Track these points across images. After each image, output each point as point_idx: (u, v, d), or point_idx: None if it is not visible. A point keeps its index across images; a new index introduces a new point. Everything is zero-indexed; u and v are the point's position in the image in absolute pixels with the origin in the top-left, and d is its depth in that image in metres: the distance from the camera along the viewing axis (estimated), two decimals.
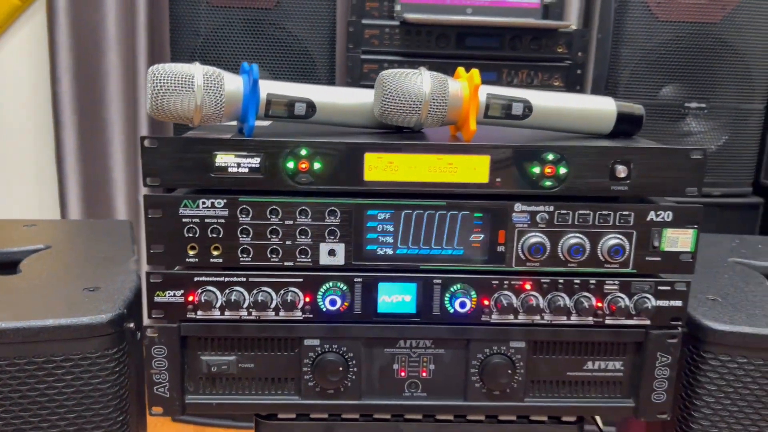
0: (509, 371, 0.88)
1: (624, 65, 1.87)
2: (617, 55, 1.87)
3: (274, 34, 1.86)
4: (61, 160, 2.12)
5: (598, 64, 1.93)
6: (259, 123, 0.94)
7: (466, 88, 0.83)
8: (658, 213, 0.84)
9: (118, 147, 2.11)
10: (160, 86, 0.76)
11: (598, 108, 0.88)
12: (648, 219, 0.84)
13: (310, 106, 0.83)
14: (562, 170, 0.82)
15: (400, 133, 0.89)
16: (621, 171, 0.82)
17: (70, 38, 2.06)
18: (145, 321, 0.85)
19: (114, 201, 2.15)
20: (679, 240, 0.85)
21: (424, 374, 0.89)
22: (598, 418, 1.14)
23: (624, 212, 0.83)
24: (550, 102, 0.86)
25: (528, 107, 0.85)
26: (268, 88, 0.81)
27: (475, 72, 0.82)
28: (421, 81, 0.81)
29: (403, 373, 0.89)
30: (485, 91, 0.84)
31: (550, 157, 0.82)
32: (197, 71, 0.77)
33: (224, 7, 1.83)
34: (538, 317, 0.86)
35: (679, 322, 0.87)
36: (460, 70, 0.86)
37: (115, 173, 2.13)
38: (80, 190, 2.14)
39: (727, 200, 1.96)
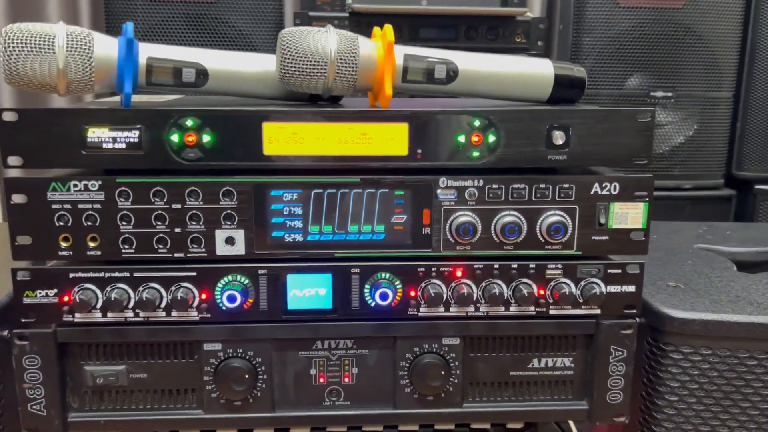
0: (443, 372, 0.76)
1: (586, 55, 1.79)
2: (579, 44, 1.79)
3: (216, 29, 1.76)
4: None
5: (561, 54, 1.85)
6: (157, 98, 0.83)
7: (380, 47, 0.72)
8: (604, 185, 0.73)
9: None
10: (14, 46, 0.65)
11: (534, 71, 0.78)
12: (592, 192, 0.74)
13: (201, 72, 0.72)
14: (491, 138, 0.72)
15: (314, 104, 0.78)
16: (558, 137, 0.72)
17: None
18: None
19: None
20: (628, 215, 0.74)
21: (346, 379, 0.78)
22: (572, 424, 1.04)
23: (564, 185, 0.73)
24: (479, 65, 0.76)
25: (453, 70, 0.75)
26: (150, 51, 0.70)
27: (388, 28, 0.72)
28: (326, 39, 0.70)
29: (322, 379, 0.78)
30: (402, 51, 0.74)
31: (477, 123, 0.71)
32: (59, 30, 0.66)
33: (163, 1, 1.73)
34: (472, 309, 0.75)
35: (634, 311, 0.77)
36: (376, 29, 0.76)
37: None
38: None
39: (698, 193, 1.89)
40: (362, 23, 1.73)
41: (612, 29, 1.77)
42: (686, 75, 1.80)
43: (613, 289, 0.76)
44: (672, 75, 1.80)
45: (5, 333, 0.75)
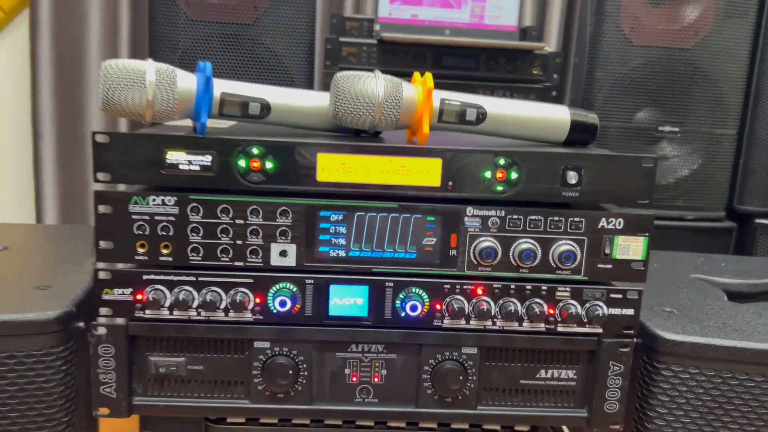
0: (461, 378, 0.87)
1: (599, 88, 1.89)
2: (592, 78, 1.89)
3: (252, 50, 1.87)
4: (39, 171, 2.11)
5: (575, 87, 1.95)
6: (219, 123, 0.95)
7: (420, 92, 0.84)
8: (610, 220, 0.84)
9: None
10: (112, 81, 0.76)
11: (552, 116, 0.89)
12: (599, 226, 0.84)
13: (265, 106, 0.83)
14: (514, 175, 0.83)
15: (357, 136, 0.89)
16: (572, 177, 0.83)
17: (52, 50, 2.05)
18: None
19: (91, 212, 2.13)
20: (630, 248, 0.85)
21: (376, 380, 0.88)
22: (566, 430, 1.13)
23: (575, 218, 0.84)
24: (505, 109, 0.87)
25: (482, 113, 0.86)
26: (223, 87, 0.82)
27: (428, 76, 0.83)
28: (375, 84, 0.81)
29: (354, 378, 0.88)
30: (439, 96, 0.85)
31: (502, 161, 0.82)
32: (150, 67, 0.77)
33: (203, 22, 1.84)
34: (489, 323, 0.86)
35: (632, 331, 0.87)
36: (416, 74, 0.87)
37: (93, 186, 2.12)
38: (57, 200, 2.13)
39: (700, 224, 1.97)
40: (388, 51, 1.85)
41: (624, 65, 1.86)
42: (693, 112, 1.89)
43: (614, 311, 0.86)
44: (679, 111, 1.88)
45: (81, 324, 0.87)
